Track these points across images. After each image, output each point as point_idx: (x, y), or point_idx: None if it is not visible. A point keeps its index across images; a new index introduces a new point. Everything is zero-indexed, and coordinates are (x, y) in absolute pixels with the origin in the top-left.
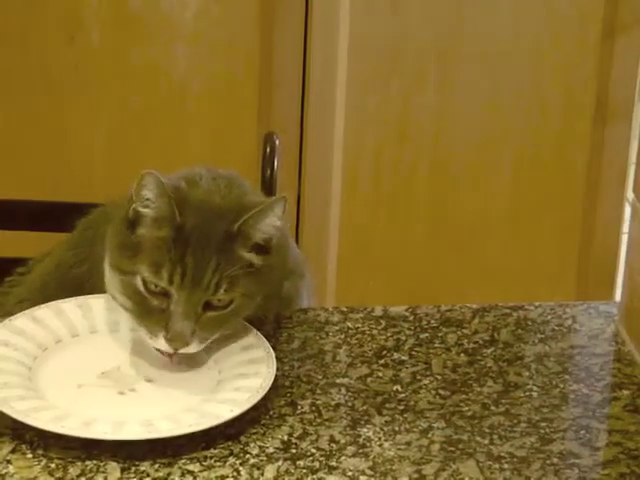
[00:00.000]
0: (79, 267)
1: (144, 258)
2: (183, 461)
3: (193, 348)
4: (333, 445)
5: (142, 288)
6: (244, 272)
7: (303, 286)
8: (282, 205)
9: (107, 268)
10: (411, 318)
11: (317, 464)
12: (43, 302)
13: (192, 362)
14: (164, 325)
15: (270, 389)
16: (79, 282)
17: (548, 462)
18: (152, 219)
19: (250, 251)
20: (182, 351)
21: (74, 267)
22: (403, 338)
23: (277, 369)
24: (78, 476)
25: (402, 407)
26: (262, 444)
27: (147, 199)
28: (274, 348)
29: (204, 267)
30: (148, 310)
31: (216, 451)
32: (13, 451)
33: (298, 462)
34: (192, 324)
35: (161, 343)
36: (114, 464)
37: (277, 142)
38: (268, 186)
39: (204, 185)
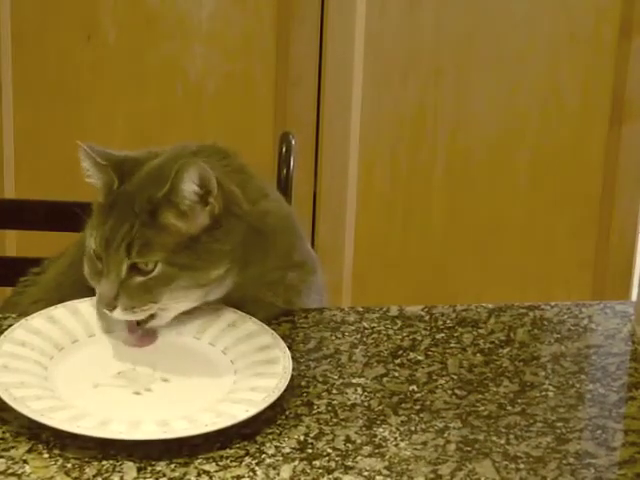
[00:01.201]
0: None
1: (90, 225)
2: (199, 461)
3: (119, 313)
4: (349, 445)
5: (92, 252)
6: (171, 239)
7: (313, 282)
8: (192, 169)
9: None
10: (427, 318)
11: (333, 464)
12: (58, 302)
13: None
14: (98, 287)
15: (286, 389)
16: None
17: (564, 462)
18: (99, 188)
19: (180, 218)
20: (114, 315)
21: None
22: (419, 338)
23: (293, 369)
24: (94, 476)
25: (418, 407)
26: (278, 444)
27: (86, 170)
28: (290, 348)
29: (117, 230)
30: (95, 273)
31: (232, 451)
32: (29, 451)
33: (314, 462)
34: (114, 288)
35: (100, 305)
36: (130, 464)
37: (293, 142)
38: (284, 185)
39: (166, 155)
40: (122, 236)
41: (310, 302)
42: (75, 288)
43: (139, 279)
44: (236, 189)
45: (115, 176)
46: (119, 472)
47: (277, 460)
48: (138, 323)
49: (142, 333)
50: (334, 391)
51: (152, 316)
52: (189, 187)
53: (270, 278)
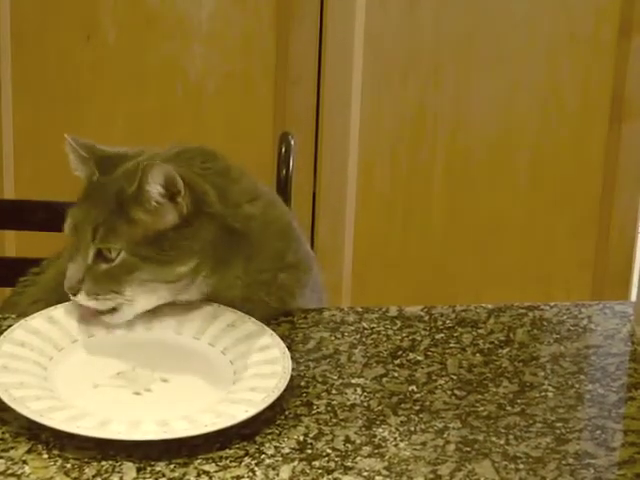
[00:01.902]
0: None
1: (67, 212)
2: (199, 461)
3: (82, 298)
4: (349, 445)
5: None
6: (138, 231)
7: (308, 281)
8: (156, 171)
9: None
10: (426, 318)
11: (333, 464)
12: (57, 302)
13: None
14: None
15: (285, 389)
16: None
17: (564, 462)
18: (83, 180)
19: (147, 215)
20: (77, 299)
21: None
22: (418, 338)
23: (292, 369)
24: (94, 476)
25: (418, 407)
26: (277, 444)
27: (73, 162)
28: (289, 348)
29: (87, 215)
30: (68, 259)
31: (231, 451)
32: (29, 451)
33: (314, 462)
34: (80, 271)
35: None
36: (130, 464)
37: (292, 142)
38: (284, 185)
39: (149, 154)
40: (90, 221)
41: (307, 301)
42: None
43: (104, 266)
44: (210, 190)
45: (96, 169)
46: (118, 472)
47: (276, 460)
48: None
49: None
50: (333, 391)
51: (115, 309)
52: (154, 188)
53: (261, 279)
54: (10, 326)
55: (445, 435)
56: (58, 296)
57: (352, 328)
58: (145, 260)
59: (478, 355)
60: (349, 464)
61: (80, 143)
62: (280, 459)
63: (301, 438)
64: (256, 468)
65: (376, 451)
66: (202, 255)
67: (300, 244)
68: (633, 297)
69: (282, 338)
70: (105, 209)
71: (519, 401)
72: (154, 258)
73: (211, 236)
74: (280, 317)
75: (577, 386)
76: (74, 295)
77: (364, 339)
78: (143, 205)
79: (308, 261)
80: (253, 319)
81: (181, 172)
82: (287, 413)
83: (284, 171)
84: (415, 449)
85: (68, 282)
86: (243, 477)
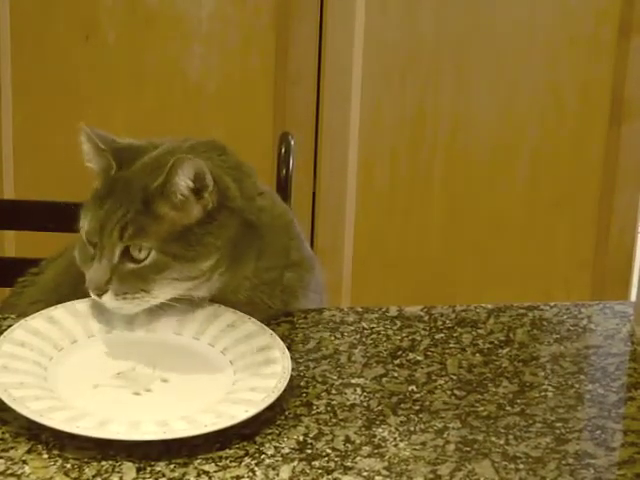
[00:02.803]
0: None
1: (83, 210)
2: (198, 461)
3: (109, 298)
4: (348, 445)
5: (84, 238)
6: (165, 228)
7: (310, 281)
8: (186, 165)
9: None
10: (426, 318)
11: (332, 464)
12: (57, 303)
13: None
14: (89, 272)
15: (285, 389)
16: None
17: (564, 462)
18: (97, 172)
19: (173, 209)
20: (103, 300)
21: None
22: (418, 338)
23: (292, 369)
24: (94, 476)
25: (417, 407)
26: (277, 444)
27: (87, 153)
28: (289, 348)
29: (112, 214)
30: (87, 258)
31: (231, 451)
32: (29, 451)
33: (313, 462)
34: (107, 271)
35: (89, 290)
36: (130, 464)
37: (292, 142)
38: (284, 185)
39: (166, 146)
40: (117, 220)
41: (308, 303)
42: (74, 289)
43: (131, 266)
44: (232, 185)
45: (113, 162)
46: (118, 472)
47: (276, 460)
48: None
49: None
50: (333, 391)
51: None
52: (183, 182)
53: (267, 278)
54: (10, 326)
55: (445, 435)
56: (58, 297)
57: (352, 328)
58: (175, 258)
59: (478, 355)
60: (349, 464)
61: (97, 133)
62: (280, 459)
63: (301, 438)
64: (256, 468)
65: (376, 451)
66: (224, 251)
67: (302, 242)
68: (633, 297)
69: (282, 338)
70: (131, 206)
71: (519, 401)
72: (182, 255)
73: (232, 231)
74: (280, 317)
75: (577, 386)
76: (99, 296)
77: (364, 339)
78: (169, 199)
79: (310, 260)
80: (253, 319)
81: (208, 166)
82: (287, 413)
83: (284, 171)
84: (415, 449)
85: (94, 283)
86: (243, 477)
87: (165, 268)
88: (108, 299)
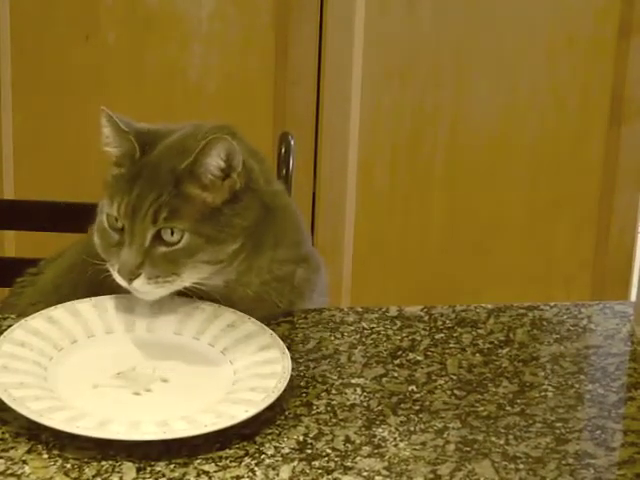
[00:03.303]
0: (93, 272)
1: (106, 195)
2: (198, 461)
3: (141, 283)
4: (348, 445)
5: (106, 224)
6: (196, 208)
7: (317, 282)
8: (221, 145)
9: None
10: (426, 318)
11: (332, 464)
12: (56, 304)
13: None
14: (118, 257)
15: (285, 389)
16: (94, 285)
17: (564, 462)
18: (118, 157)
19: (202, 190)
20: (134, 286)
21: (88, 271)
22: (418, 338)
23: (292, 369)
24: (94, 476)
25: (417, 407)
26: (277, 444)
27: (107, 137)
28: (289, 348)
29: (145, 197)
30: (111, 245)
31: (231, 451)
32: (29, 451)
33: (313, 462)
34: (139, 255)
35: (117, 275)
36: (129, 464)
37: (292, 142)
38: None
39: (186, 130)
40: (149, 203)
41: (312, 305)
42: (74, 291)
43: (163, 249)
44: (256, 166)
45: (137, 145)
46: (118, 472)
47: (276, 460)
48: None
49: None
50: (333, 391)
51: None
52: (214, 161)
53: (279, 274)
54: (10, 326)
55: (445, 435)
56: (58, 298)
57: (352, 328)
58: (207, 240)
59: (478, 355)
60: (349, 464)
61: (118, 116)
62: (280, 459)
63: (301, 438)
64: (256, 468)
65: (376, 451)
66: (248, 233)
67: (309, 239)
68: (633, 297)
69: (282, 338)
70: (163, 189)
71: (519, 401)
72: (214, 237)
73: (255, 213)
74: (280, 317)
75: (577, 386)
76: (131, 281)
77: (364, 339)
78: (200, 179)
79: (317, 260)
80: (253, 319)
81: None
82: (287, 413)
83: (284, 171)
84: (415, 449)
85: (126, 268)
86: (243, 477)
87: (197, 250)
88: (140, 284)
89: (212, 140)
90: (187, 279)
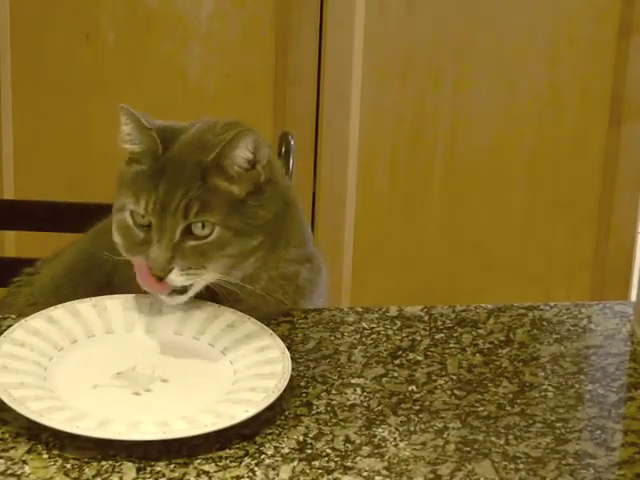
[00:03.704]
0: (95, 272)
1: (129, 192)
2: (198, 461)
3: (175, 276)
4: (348, 445)
5: (130, 221)
6: (224, 201)
7: (319, 283)
8: (249, 138)
9: (112, 217)
10: (426, 318)
11: (332, 464)
12: (56, 305)
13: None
14: (146, 254)
15: (285, 389)
16: (95, 287)
17: (564, 462)
18: (138, 154)
19: (229, 182)
20: (170, 280)
21: (89, 272)
22: (418, 338)
23: (292, 369)
24: (94, 476)
25: (417, 407)
26: (277, 444)
27: (127, 134)
28: (289, 348)
29: (173, 193)
30: (136, 243)
31: (231, 451)
32: (29, 451)
33: (313, 462)
34: (169, 250)
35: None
36: (129, 464)
37: (292, 142)
38: None
39: (200, 125)
40: (179, 198)
41: (311, 305)
42: (74, 291)
43: (192, 243)
44: (275, 160)
45: (159, 141)
46: (118, 472)
47: (276, 460)
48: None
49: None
50: (333, 391)
51: (180, 291)
52: (242, 153)
53: (286, 272)
54: (10, 326)
55: (445, 435)
56: (57, 300)
57: (352, 328)
58: (236, 233)
59: (478, 355)
60: (349, 464)
61: (138, 112)
62: (280, 459)
63: (301, 438)
64: (256, 468)
65: (376, 451)
66: (267, 228)
67: (311, 237)
68: (633, 297)
69: (282, 338)
70: (191, 184)
71: (519, 401)
72: (242, 229)
73: (276, 207)
74: (280, 317)
75: (577, 386)
76: (164, 277)
77: (364, 339)
78: (226, 172)
79: (319, 261)
80: (253, 319)
81: None
82: (287, 413)
83: (284, 171)
84: (415, 449)
85: (157, 263)
86: (243, 477)
87: (227, 244)
88: (174, 276)
89: (240, 132)
90: (212, 273)
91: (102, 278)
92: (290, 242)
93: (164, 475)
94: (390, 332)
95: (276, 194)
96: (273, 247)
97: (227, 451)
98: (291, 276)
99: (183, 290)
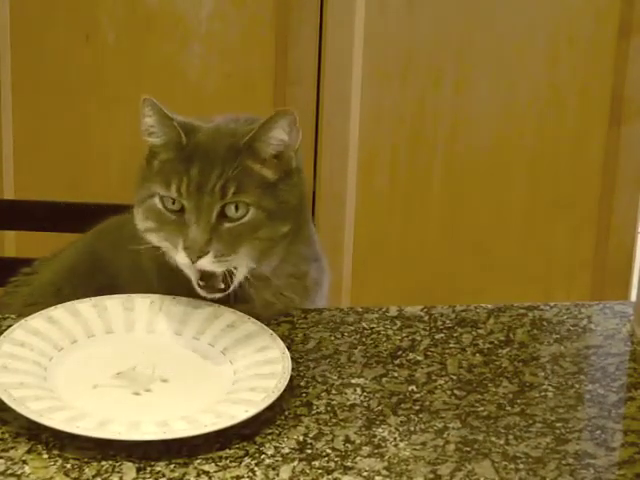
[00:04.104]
0: (98, 274)
1: (158, 179)
2: (198, 461)
3: (210, 260)
4: (348, 445)
5: (160, 206)
6: (257, 183)
7: (323, 283)
8: (287, 118)
9: (135, 210)
10: (426, 318)
11: (332, 464)
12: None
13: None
14: (182, 234)
15: (285, 389)
16: (97, 289)
17: (564, 462)
18: (161, 146)
19: (262, 165)
20: (201, 264)
21: (92, 274)
22: (418, 338)
23: (292, 369)
24: (94, 476)
25: (417, 407)
26: (277, 444)
27: (150, 126)
28: (289, 348)
29: (208, 174)
30: (169, 227)
31: (231, 451)
32: (29, 451)
33: (313, 462)
34: (206, 232)
35: (182, 256)
36: (129, 464)
37: None
38: None
39: (222, 119)
40: (215, 179)
41: (313, 306)
42: (75, 293)
43: (228, 225)
44: (301, 148)
45: (182, 131)
46: (118, 472)
47: (276, 460)
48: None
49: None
50: (333, 391)
51: (221, 289)
52: (278, 134)
53: (296, 269)
54: (10, 326)
55: (445, 435)
56: (57, 301)
57: (352, 328)
58: (269, 215)
59: (478, 355)
60: (349, 464)
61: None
62: (280, 459)
63: (301, 438)
64: (256, 468)
65: (376, 451)
66: (293, 215)
67: (316, 239)
68: (633, 297)
69: (282, 338)
70: (225, 165)
71: (519, 401)
72: (274, 212)
73: (302, 193)
74: (280, 317)
75: (577, 386)
76: (199, 259)
77: (364, 339)
78: (259, 154)
79: (323, 260)
80: (253, 319)
81: None
82: (287, 413)
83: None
84: (415, 449)
85: (195, 245)
86: (243, 477)
87: (260, 226)
88: (206, 262)
89: (278, 113)
90: (244, 258)
91: (106, 280)
92: (303, 238)
93: (164, 475)
94: (390, 332)
95: (300, 182)
96: (294, 239)
97: (227, 451)
98: (302, 274)
99: (225, 288)
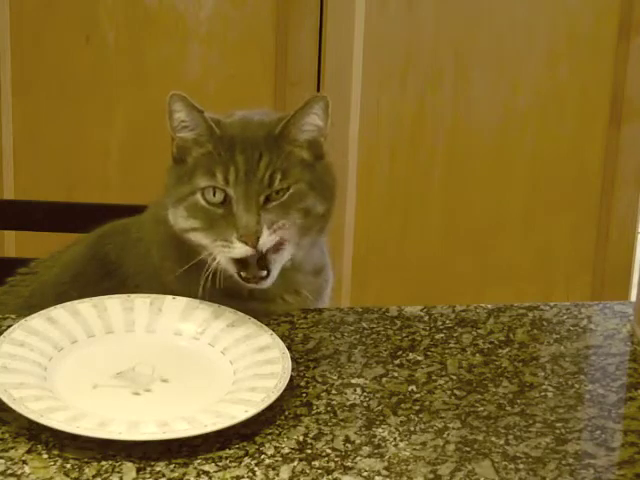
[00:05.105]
0: (107, 280)
1: (197, 174)
2: (198, 461)
3: (267, 236)
4: (348, 445)
5: (203, 201)
6: (298, 165)
7: (329, 283)
8: (321, 103)
9: (170, 211)
10: (426, 318)
11: (332, 464)
12: None
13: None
14: (233, 226)
15: (285, 389)
16: (105, 294)
17: (564, 462)
18: (194, 141)
19: (300, 148)
20: (262, 244)
21: (101, 280)
22: (418, 338)
23: (292, 369)
24: (94, 476)
25: (417, 407)
26: (277, 444)
27: (182, 121)
28: (289, 348)
29: (256, 162)
30: (216, 221)
31: (231, 451)
32: (29, 451)
33: (313, 462)
34: (256, 215)
35: (237, 246)
36: (129, 464)
37: None
38: None
39: (243, 113)
40: (264, 168)
41: (314, 307)
42: (80, 295)
43: (273, 203)
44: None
45: (213, 123)
46: (118, 472)
47: (276, 460)
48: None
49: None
50: (333, 391)
51: (265, 277)
52: (313, 119)
53: (317, 264)
54: (10, 326)
55: (445, 435)
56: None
57: (352, 328)
58: (310, 186)
59: (478, 355)
60: (349, 464)
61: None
62: (280, 459)
63: (301, 438)
64: (256, 468)
65: (376, 451)
66: (329, 196)
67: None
68: (633, 297)
69: (282, 338)
70: (272, 154)
71: (519, 401)
72: (313, 184)
73: (333, 177)
74: (280, 317)
75: (577, 386)
76: (257, 241)
77: (364, 339)
78: (295, 138)
79: (329, 268)
80: (253, 319)
81: None
82: (287, 413)
83: None
84: (415, 449)
85: (249, 229)
86: (243, 477)
87: (304, 196)
88: (264, 239)
89: (313, 98)
90: (291, 228)
91: (114, 284)
92: (328, 231)
93: (164, 475)
94: (390, 332)
95: (332, 167)
96: (323, 228)
97: (227, 451)
98: (320, 269)
99: (267, 275)
